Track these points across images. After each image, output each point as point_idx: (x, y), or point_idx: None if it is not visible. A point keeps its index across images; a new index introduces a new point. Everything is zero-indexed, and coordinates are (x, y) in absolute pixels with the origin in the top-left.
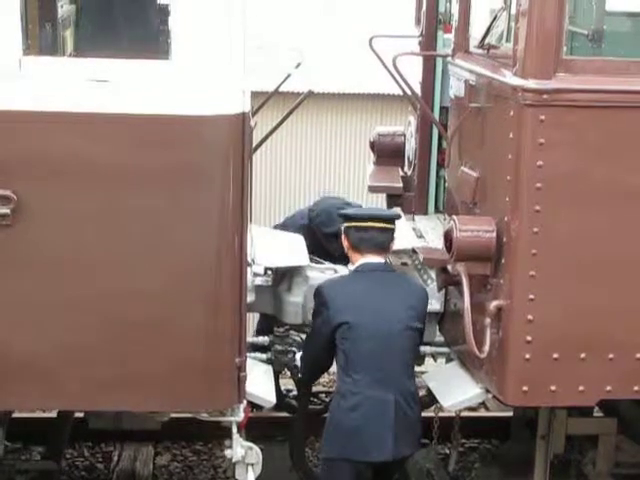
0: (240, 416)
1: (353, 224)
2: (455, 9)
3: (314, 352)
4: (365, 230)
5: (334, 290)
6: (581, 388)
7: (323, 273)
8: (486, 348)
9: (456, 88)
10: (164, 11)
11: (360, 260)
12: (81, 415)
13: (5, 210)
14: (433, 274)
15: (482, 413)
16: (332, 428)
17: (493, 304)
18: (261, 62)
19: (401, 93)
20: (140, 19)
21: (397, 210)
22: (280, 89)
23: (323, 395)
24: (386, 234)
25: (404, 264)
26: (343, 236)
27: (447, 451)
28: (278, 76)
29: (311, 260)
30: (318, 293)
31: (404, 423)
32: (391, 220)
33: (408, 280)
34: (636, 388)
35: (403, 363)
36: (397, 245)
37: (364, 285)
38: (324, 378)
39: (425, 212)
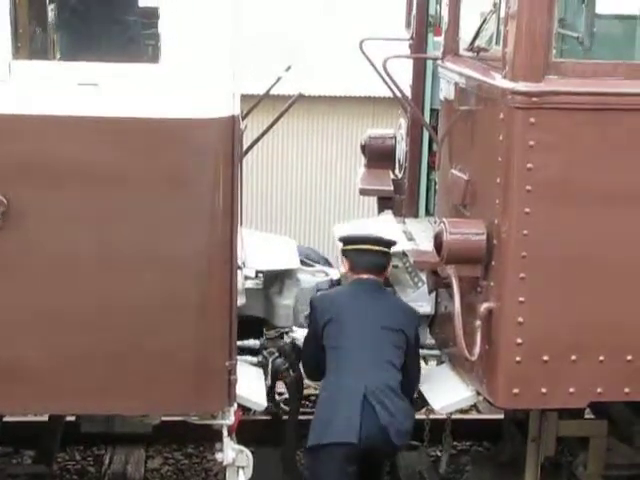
0: (231, 419)
1: (352, 247)
2: (445, 12)
3: (308, 357)
4: (363, 252)
5: (323, 296)
6: (571, 390)
7: (314, 276)
8: (477, 350)
9: (446, 91)
10: (152, 14)
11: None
12: (72, 418)
13: None
14: (424, 277)
15: (473, 415)
16: (313, 420)
17: (483, 306)
18: (251, 65)
19: (392, 96)
20: (121, 22)
21: (389, 216)
22: (271, 92)
23: (314, 398)
24: (383, 257)
25: (395, 267)
26: (342, 259)
27: (438, 453)
28: (269, 79)
29: (302, 263)
30: (310, 304)
31: (381, 413)
32: (388, 245)
33: (400, 299)
34: (627, 390)
35: (378, 357)
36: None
37: (351, 291)
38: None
39: (416, 215)
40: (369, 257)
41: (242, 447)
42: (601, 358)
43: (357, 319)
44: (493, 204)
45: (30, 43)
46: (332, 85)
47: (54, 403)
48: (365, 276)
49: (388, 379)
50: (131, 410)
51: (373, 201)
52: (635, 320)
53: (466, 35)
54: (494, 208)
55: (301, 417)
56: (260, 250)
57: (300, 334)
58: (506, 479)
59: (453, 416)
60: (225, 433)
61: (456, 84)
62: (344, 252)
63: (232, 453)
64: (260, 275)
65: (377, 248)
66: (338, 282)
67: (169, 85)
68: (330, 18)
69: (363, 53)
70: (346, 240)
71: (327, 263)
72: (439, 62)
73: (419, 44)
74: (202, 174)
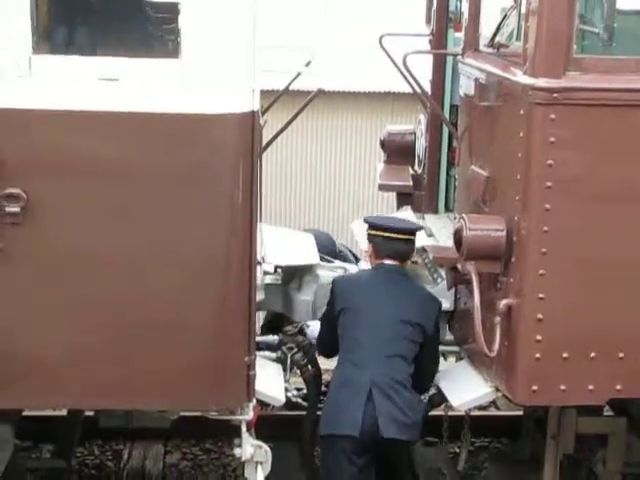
0: (249, 415)
1: (381, 234)
2: (465, 8)
3: (322, 337)
4: (392, 240)
5: (343, 281)
6: (591, 387)
7: (333, 272)
8: (496, 347)
9: (466, 87)
10: (173, 9)
11: (378, 262)
12: (91, 413)
13: (15, 208)
14: (443, 273)
15: (492, 412)
16: (323, 410)
17: (503, 303)
18: (271, 61)
19: (411, 92)
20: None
21: (409, 212)
22: (290, 88)
23: None
24: (410, 245)
25: (414, 262)
26: (368, 243)
27: (457, 450)
28: (288, 75)
29: (321, 259)
30: (332, 283)
31: (387, 406)
32: (414, 232)
33: (422, 288)
34: None
35: (390, 352)
36: None
37: (372, 279)
38: None
39: (435, 211)
40: (395, 244)
41: (261, 442)
42: (620, 355)
43: (373, 310)
44: (513, 200)
45: (50, 38)
46: (352, 81)
47: (73, 398)
48: (388, 262)
49: (397, 373)
50: (150, 405)
51: (392, 197)
52: None
53: (487, 31)
54: (514, 204)
55: (319, 413)
56: (279, 245)
57: (316, 327)
58: (525, 476)
59: (472, 412)
60: (244, 428)
61: (476, 80)
62: (370, 236)
63: (251, 449)
64: (279, 271)
65: (404, 237)
66: None
67: (189, 80)
68: (348, 13)
69: (383, 49)
70: (373, 225)
71: (335, 252)
72: (459, 58)
73: (439, 40)
74: (221, 169)
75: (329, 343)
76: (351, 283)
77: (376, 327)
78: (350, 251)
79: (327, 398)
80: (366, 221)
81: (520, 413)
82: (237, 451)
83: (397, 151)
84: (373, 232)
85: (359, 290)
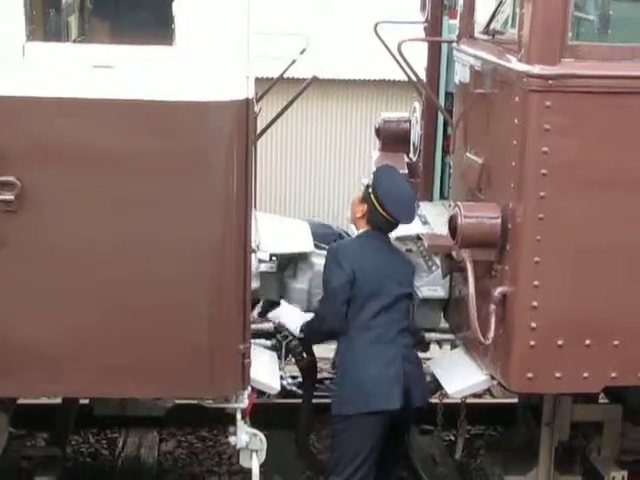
0: (244, 403)
1: (383, 213)
2: None
3: (333, 310)
4: (388, 221)
5: (344, 250)
6: (586, 375)
7: None
8: (491, 335)
9: (461, 74)
10: None
11: (365, 228)
12: (86, 401)
13: (9, 196)
14: (438, 260)
15: (487, 400)
16: (347, 385)
17: (498, 291)
18: (266, 48)
19: (406, 79)
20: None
21: None
22: (285, 75)
23: (328, 382)
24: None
25: (409, 250)
26: (364, 205)
27: (452, 437)
28: (283, 62)
29: (316, 246)
30: (330, 253)
31: (411, 375)
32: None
33: (401, 252)
34: None
35: (403, 321)
36: (402, 231)
37: (368, 248)
38: (327, 365)
39: (430, 198)
40: (390, 225)
41: (256, 430)
42: (615, 342)
43: (381, 281)
44: (508, 188)
45: (44, 25)
46: (347, 68)
47: (69, 386)
48: (376, 231)
49: (410, 342)
50: (145, 393)
51: None
52: None
53: (482, 18)
54: (509, 192)
55: (315, 401)
56: (274, 233)
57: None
58: (520, 464)
59: (467, 400)
60: (239, 416)
61: (471, 67)
62: (367, 198)
63: (246, 436)
64: (274, 259)
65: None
66: None
67: (183, 67)
68: (343, 1)
69: (378, 36)
70: (380, 203)
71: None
72: (454, 45)
73: (434, 27)
74: (216, 157)
75: (344, 313)
76: (352, 253)
77: (390, 299)
78: (347, 234)
79: (349, 377)
80: (375, 183)
81: (515, 401)
82: (232, 439)
83: (392, 139)
84: (377, 206)
85: (363, 261)
